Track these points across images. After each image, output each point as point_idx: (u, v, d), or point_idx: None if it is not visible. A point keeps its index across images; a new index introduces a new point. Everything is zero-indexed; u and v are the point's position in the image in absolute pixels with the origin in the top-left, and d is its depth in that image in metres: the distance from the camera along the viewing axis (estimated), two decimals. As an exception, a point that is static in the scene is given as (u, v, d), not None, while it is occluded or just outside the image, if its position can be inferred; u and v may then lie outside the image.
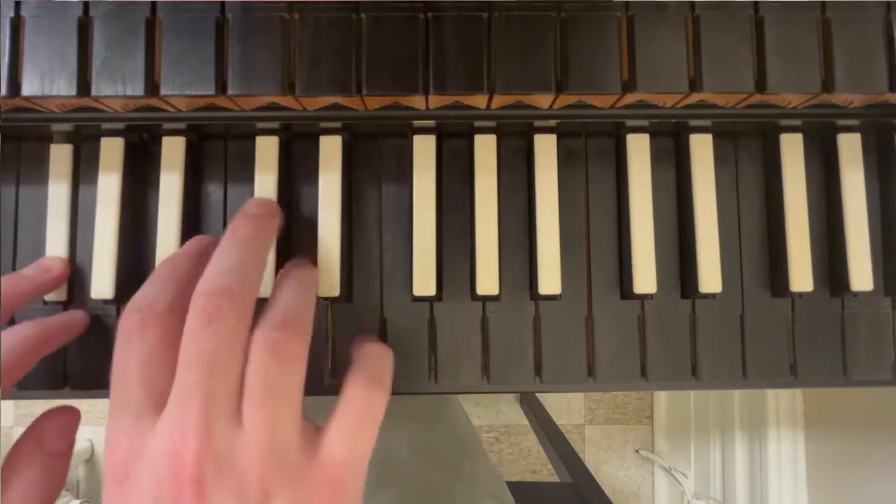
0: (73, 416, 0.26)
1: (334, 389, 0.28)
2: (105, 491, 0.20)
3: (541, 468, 1.24)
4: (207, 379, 0.20)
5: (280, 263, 0.28)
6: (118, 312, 0.28)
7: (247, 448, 0.20)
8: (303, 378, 0.22)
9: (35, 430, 0.25)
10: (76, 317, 0.27)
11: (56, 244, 0.28)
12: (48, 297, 0.28)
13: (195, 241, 0.25)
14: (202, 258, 0.24)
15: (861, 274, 0.28)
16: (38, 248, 0.28)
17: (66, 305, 0.28)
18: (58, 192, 0.28)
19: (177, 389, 0.20)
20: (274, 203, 0.27)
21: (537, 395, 1.11)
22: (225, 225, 0.29)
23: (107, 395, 0.28)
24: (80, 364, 0.28)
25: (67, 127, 0.28)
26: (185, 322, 0.21)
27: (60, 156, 0.28)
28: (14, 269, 0.28)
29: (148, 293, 0.22)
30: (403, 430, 0.46)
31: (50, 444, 0.25)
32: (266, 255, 0.24)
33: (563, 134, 0.29)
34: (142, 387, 0.21)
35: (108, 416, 0.21)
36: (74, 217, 0.28)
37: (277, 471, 0.20)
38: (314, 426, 0.23)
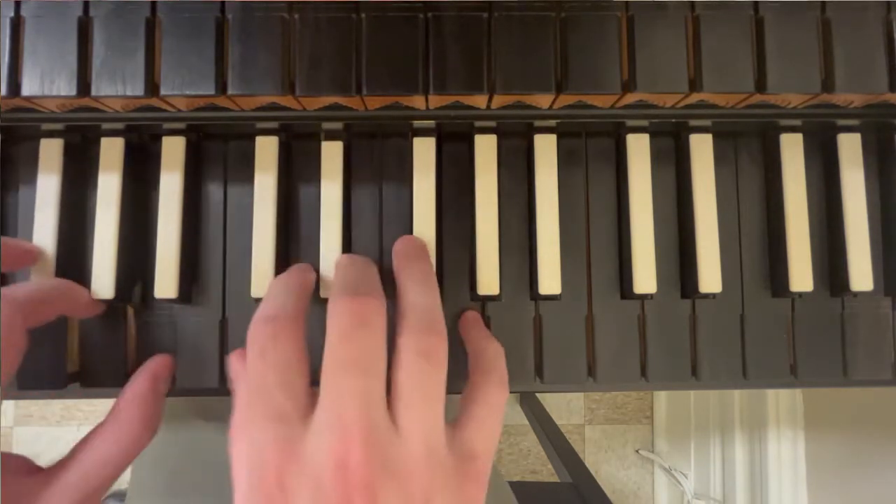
0: (172, 365, 0.27)
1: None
2: (248, 498, 0.20)
3: (541, 468, 1.24)
4: (364, 380, 0.20)
5: (280, 264, 0.28)
6: (118, 313, 0.28)
7: (407, 451, 0.20)
8: (445, 380, 0.22)
9: (150, 372, 0.26)
10: (80, 289, 0.27)
11: (44, 235, 0.27)
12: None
13: (294, 267, 0.27)
14: (306, 273, 0.26)
15: (861, 274, 0.28)
16: (38, 248, 0.28)
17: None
18: (47, 185, 0.28)
19: (329, 394, 0.20)
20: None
21: (537, 395, 1.11)
22: (225, 225, 0.29)
23: (107, 396, 0.28)
24: (81, 364, 0.28)
25: (67, 127, 0.28)
26: (329, 326, 0.21)
27: (51, 149, 0.28)
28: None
29: (273, 304, 0.23)
30: None
31: (161, 386, 0.26)
32: (308, 294, 0.25)
33: (563, 134, 0.29)
34: (285, 394, 0.21)
35: (242, 428, 0.21)
36: (65, 210, 0.28)
37: (435, 473, 0.21)
38: (447, 426, 0.23)
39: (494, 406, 0.24)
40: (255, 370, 0.21)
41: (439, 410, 0.22)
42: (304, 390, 0.21)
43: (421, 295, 0.24)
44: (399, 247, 0.27)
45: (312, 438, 0.20)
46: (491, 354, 0.26)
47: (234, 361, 0.24)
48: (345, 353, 0.21)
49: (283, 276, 0.26)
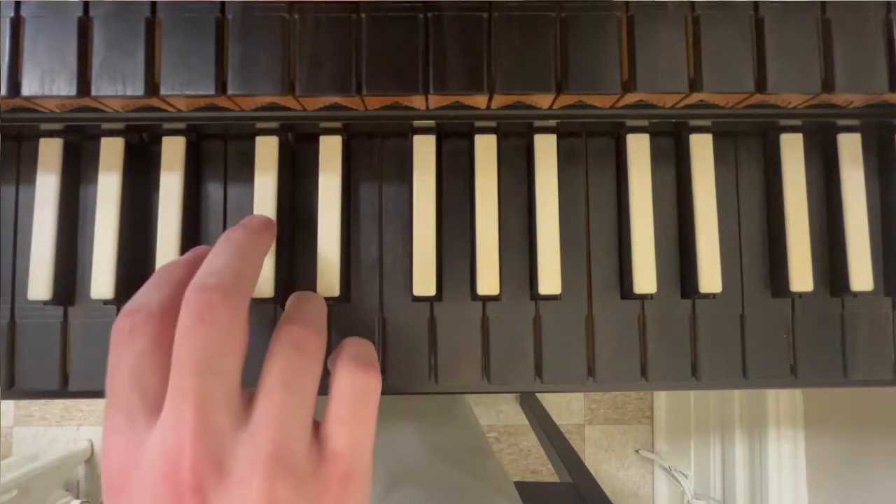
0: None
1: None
2: (104, 498, 0.20)
3: (541, 468, 1.24)
4: (201, 381, 0.19)
5: (280, 264, 0.28)
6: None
7: (251, 452, 0.19)
8: (319, 377, 0.22)
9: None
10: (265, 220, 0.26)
11: (43, 235, 0.27)
12: (41, 297, 0.27)
13: (192, 251, 0.25)
14: (198, 264, 0.23)
15: (861, 274, 0.28)
16: (38, 248, 0.28)
17: (65, 306, 0.28)
18: (46, 185, 0.28)
19: (171, 392, 0.19)
20: (270, 219, 0.27)
21: (537, 395, 1.11)
22: (225, 225, 0.29)
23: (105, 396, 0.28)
24: (80, 365, 0.28)
25: (67, 127, 0.28)
26: (178, 322, 0.20)
27: (50, 149, 0.28)
28: (14, 269, 0.28)
29: (140, 297, 0.22)
30: (415, 429, 0.47)
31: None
32: (261, 258, 0.24)
33: (563, 134, 0.29)
34: (133, 390, 0.20)
35: (104, 422, 0.21)
36: (65, 210, 0.28)
37: (284, 476, 0.19)
38: (314, 424, 0.22)
39: (353, 393, 0.22)
40: (110, 365, 0.21)
41: (302, 403, 0.21)
42: (160, 385, 0.20)
43: (301, 297, 0.24)
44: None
45: (152, 438, 0.19)
46: (346, 344, 0.24)
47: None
48: (183, 351, 0.20)
49: (170, 263, 0.24)
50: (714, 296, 0.28)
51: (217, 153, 0.29)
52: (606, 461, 1.26)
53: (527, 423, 1.16)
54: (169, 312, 0.21)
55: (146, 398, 0.20)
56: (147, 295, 0.22)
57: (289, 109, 0.27)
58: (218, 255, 0.22)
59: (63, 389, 0.28)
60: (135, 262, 0.28)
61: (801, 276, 0.28)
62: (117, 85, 0.25)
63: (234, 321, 0.21)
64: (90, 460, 1.21)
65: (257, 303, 0.27)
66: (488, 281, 0.28)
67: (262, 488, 0.19)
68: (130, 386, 0.20)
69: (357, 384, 0.22)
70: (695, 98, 0.26)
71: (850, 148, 0.29)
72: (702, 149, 0.29)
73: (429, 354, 0.28)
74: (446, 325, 0.28)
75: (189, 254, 0.25)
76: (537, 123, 0.28)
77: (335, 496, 0.21)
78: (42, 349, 0.28)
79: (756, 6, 0.26)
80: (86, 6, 0.25)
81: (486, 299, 0.28)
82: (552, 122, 0.28)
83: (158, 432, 0.19)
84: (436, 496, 0.41)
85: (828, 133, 0.29)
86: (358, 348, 0.24)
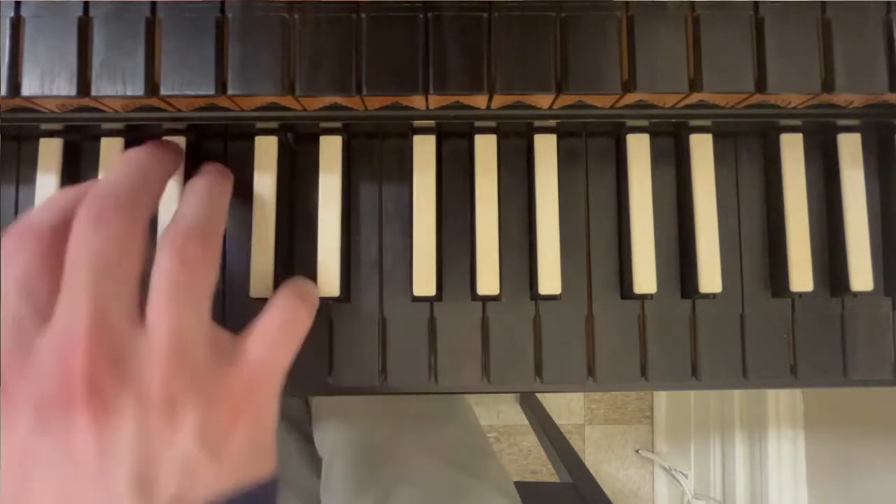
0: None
1: (336, 389, 0.28)
2: None
3: (541, 468, 1.24)
4: (98, 279, 0.19)
5: (280, 264, 0.28)
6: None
7: (149, 352, 0.19)
8: (212, 285, 0.21)
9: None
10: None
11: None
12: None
13: (89, 182, 0.24)
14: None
15: (861, 274, 0.28)
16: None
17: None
18: (46, 185, 0.28)
19: (64, 294, 0.19)
20: (175, 144, 0.26)
21: (537, 395, 1.11)
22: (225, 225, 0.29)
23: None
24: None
25: (67, 127, 0.28)
26: (72, 231, 0.20)
27: (50, 149, 0.28)
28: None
29: (27, 217, 0.21)
30: (414, 430, 0.47)
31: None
32: (162, 176, 0.24)
33: (563, 134, 0.29)
34: (20, 298, 0.19)
35: None
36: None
37: (184, 375, 0.19)
38: (228, 335, 0.22)
39: (284, 316, 0.23)
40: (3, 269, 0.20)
41: (195, 312, 0.20)
42: (50, 296, 0.19)
43: (195, 204, 0.23)
44: (202, 168, 0.26)
45: (43, 341, 0.19)
46: (290, 280, 0.25)
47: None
48: (78, 253, 0.19)
49: (67, 188, 0.23)
50: (714, 296, 0.28)
51: (217, 153, 0.29)
52: (606, 461, 1.26)
53: (527, 423, 1.16)
54: (59, 230, 0.21)
55: (34, 304, 0.19)
56: (35, 214, 0.21)
57: (289, 109, 0.27)
58: (114, 172, 0.22)
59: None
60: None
61: (801, 276, 0.28)
62: (117, 85, 0.25)
63: (130, 229, 0.20)
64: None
65: (258, 302, 0.27)
66: (488, 281, 0.28)
67: (161, 383, 0.19)
68: (16, 294, 0.19)
69: (287, 310, 0.23)
70: (695, 98, 0.26)
71: (850, 148, 0.29)
72: (702, 149, 0.29)
73: (429, 354, 0.28)
74: (446, 325, 0.28)
75: (85, 184, 0.24)
76: (537, 123, 0.28)
77: (237, 400, 0.20)
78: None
79: (756, 6, 0.26)
80: (86, 6, 0.25)
81: (486, 299, 0.28)
82: (552, 122, 0.28)
83: (50, 333, 0.19)
84: (436, 497, 0.41)
85: (828, 133, 0.29)
86: (301, 283, 0.25)
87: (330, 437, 0.48)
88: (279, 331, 0.23)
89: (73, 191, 0.23)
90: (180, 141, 0.28)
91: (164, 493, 0.18)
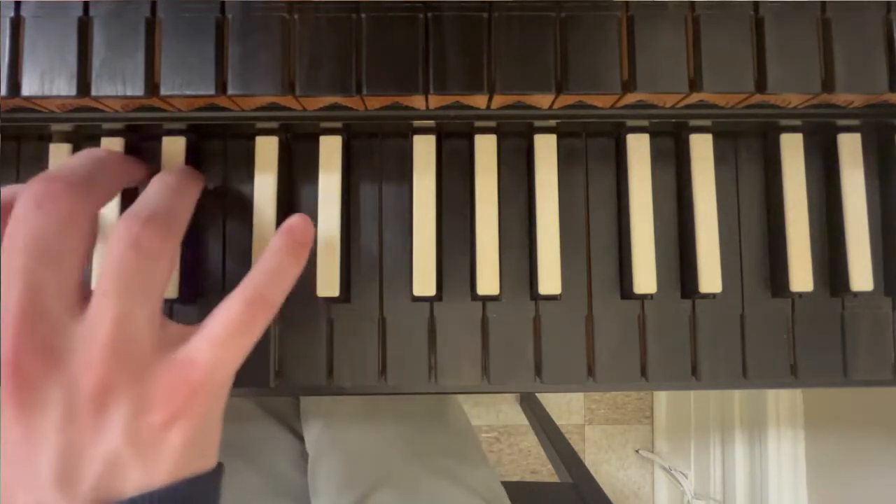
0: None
1: (335, 389, 0.28)
2: None
3: (541, 468, 1.24)
4: (32, 263, 0.18)
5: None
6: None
7: (88, 341, 0.19)
8: (166, 276, 0.21)
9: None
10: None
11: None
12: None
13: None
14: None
15: (861, 274, 0.28)
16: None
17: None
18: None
19: None
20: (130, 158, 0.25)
21: (537, 395, 1.11)
22: (225, 225, 0.29)
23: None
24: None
25: (67, 127, 0.28)
26: (12, 212, 0.19)
27: (59, 155, 0.28)
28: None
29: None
30: (398, 432, 0.46)
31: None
32: (120, 173, 0.23)
33: (563, 134, 0.29)
34: None
35: None
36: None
37: (121, 370, 0.19)
38: (180, 331, 0.21)
39: (234, 319, 0.21)
40: None
41: (144, 302, 0.20)
42: None
43: (157, 195, 0.22)
44: (175, 168, 0.25)
45: None
46: (260, 265, 0.23)
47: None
48: (15, 234, 0.19)
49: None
50: (714, 296, 0.28)
51: (217, 153, 0.29)
52: (606, 461, 1.26)
53: (527, 423, 1.16)
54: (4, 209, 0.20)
55: None
56: None
57: (289, 109, 0.27)
58: (70, 158, 0.22)
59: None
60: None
61: (801, 276, 0.28)
62: (117, 85, 0.25)
63: (78, 211, 0.20)
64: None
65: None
66: (488, 281, 0.28)
67: (95, 376, 0.18)
68: None
69: (244, 316, 0.21)
70: (695, 98, 0.26)
71: (850, 148, 0.29)
72: (702, 149, 0.29)
73: (428, 354, 0.28)
74: (446, 325, 0.28)
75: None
76: (537, 123, 0.28)
77: (175, 401, 0.20)
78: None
79: (756, 6, 0.26)
80: (86, 6, 0.25)
81: (486, 299, 0.28)
82: (552, 122, 0.28)
83: None
84: (414, 501, 0.41)
85: (828, 133, 0.29)
86: (264, 277, 0.23)
87: (315, 436, 0.48)
88: (228, 336, 0.21)
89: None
90: (180, 141, 0.28)
91: (85, 485, 0.18)
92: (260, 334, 0.22)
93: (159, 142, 0.28)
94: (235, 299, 0.22)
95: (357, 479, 0.43)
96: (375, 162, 0.29)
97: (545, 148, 0.28)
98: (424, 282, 0.27)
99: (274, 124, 0.28)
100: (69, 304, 0.19)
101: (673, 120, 0.28)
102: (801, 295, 0.29)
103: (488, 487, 0.46)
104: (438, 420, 0.49)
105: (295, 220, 0.25)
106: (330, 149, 0.28)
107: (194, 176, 0.26)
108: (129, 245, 0.20)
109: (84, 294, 0.20)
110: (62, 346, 0.18)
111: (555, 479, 0.85)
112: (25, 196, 0.19)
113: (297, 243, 0.24)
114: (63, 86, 0.24)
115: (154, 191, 0.23)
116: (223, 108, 0.27)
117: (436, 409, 0.50)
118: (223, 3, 0.25)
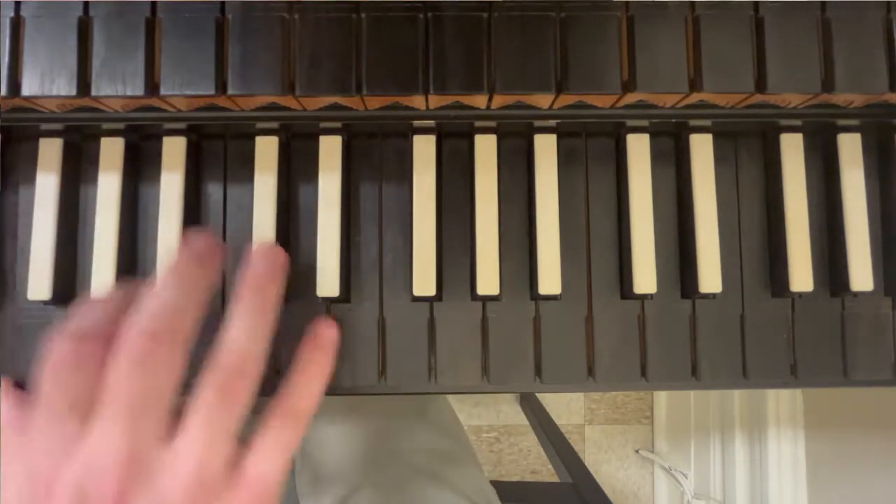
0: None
1: (335, 389, 0.28)
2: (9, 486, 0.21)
3: (541, 468, 1.24)
4: (134, 416, 0.21)
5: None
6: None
7: (174, 470, 0.21)
8: (244, 413, 0.23)
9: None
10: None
11: (43, 235, 0.27)
12: (41, 297, 0.27)
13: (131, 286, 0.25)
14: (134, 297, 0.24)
15: (861, 274, 0.28)
16: (38, 248, 0.28)
17: (65, 306, 0.28)
18: (46, 185, 0.28)
19: (101, 417, 0.21)
20: (216, 240, 0.26)
21: (537, 395, 1.11)
22: (225, 225, 0.29)
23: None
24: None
25: (67, 127, 0.28)
26: (114, 354, 0.22)
27: (50, 149, 0.28)
28: (13, 269, 0.28)
29: (77, 322, 0.23)
30: (379, 430, 0.45)
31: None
32: (205, 290, 0.24)
33: (563, 134, 0.29)
34: (61, 395, 0.22)
35: (26, 433, 0.22)
36: (64, 210, 0.28)
37: (202, 492, 0.21)
38: (237, 450, 0.23)
39: (284, 442, 0.24)
40: (46, 374, 0.22)
41: (223, 441, 0.22)
42: (91, 400, 0.22)
43: (243, 331, 0.24)
44: (252, 264, 0.25)
45: (78, 457, 0.21)
46: (301, 393, 0.25)
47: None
48: (116, 389, 0.21)
49: (115, 291, 0.25)
50: (714, 296, 0.28)
51: (217, 153, 0.29)
52: (606, 461, 1.26)
53: (527, 423, 1.16)
54: (102, 338, 0.22)
55: (75, 407, 0.21)
56: (84, 321, 0.23)
57: (289, 109, 0.27)
58: (162, 293, 0.23)
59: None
60: (135, 263, 0.28)
61: (801, 276, 0.28)
62: (117, 85, 0.25)
63: (172, 364, 0.22)
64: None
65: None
66: (488, 281, 0.28)
67: (179, 500, 0.21)
68: (59, 395, 0.22)
69: (289, 438, 0.24)
70: (695, 98, 0.26)
71: (850, 148, 0.29)
72: (702, 149, 0.29)
73: (428, 354, 0.28)
74: (446, 325, 0.28)
75: (130, 288, 0.25)
76: (537, 123, 0.28)
77: None
78: (41, 349, 0.27)
79: (756, 6, 0.26)
80: (86, 6, 0.25)
81: (486, 299, 0.28)
82: (552, 122, 0.28)
83: (87, 449, 0.21)
84: (395, 502, 0.41)
85: (828, 133, 0.29)
86: (301, 392, 0.25)
87: None
88: (280, 457, 0.24)
89: (119, 296, 0.24)
90: (180, 141, 0.28)
91: None
92: (300, 438, 0.25)
93: (159, 142, 0.28)
94: (277, 419, 0.24)
95: (338, 478, 0.42)
96: (375, 162, 0.29)
97: (545, 148, 0.28)
98: (424, 282, 0.27)
99: (274, 124, 0.28)
100: (161, 435, 0.22)
101: (673, 120, 0.28)
102: (801, 295, 0.29)
103: (475, 487, 0.45)
104: (422, 418, 0.48)
105: (320, 327, 0.27)
106: (330, 149, 0.28)
107: (212, 254, 0.25)
108: (217, 393, 0.22)
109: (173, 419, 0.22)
110: (153, 470, 0.21)
111: (555, 479, 0.85)
112: (127, 352, 0.21)
113: (325, 351, 0.27)
114: (63, 86, 0.24)
115: (241, 326, 0.24)
116: (223, 108, 0.27)
117: (419, 407, 0.49)
118: (223, 3, 0.25)
